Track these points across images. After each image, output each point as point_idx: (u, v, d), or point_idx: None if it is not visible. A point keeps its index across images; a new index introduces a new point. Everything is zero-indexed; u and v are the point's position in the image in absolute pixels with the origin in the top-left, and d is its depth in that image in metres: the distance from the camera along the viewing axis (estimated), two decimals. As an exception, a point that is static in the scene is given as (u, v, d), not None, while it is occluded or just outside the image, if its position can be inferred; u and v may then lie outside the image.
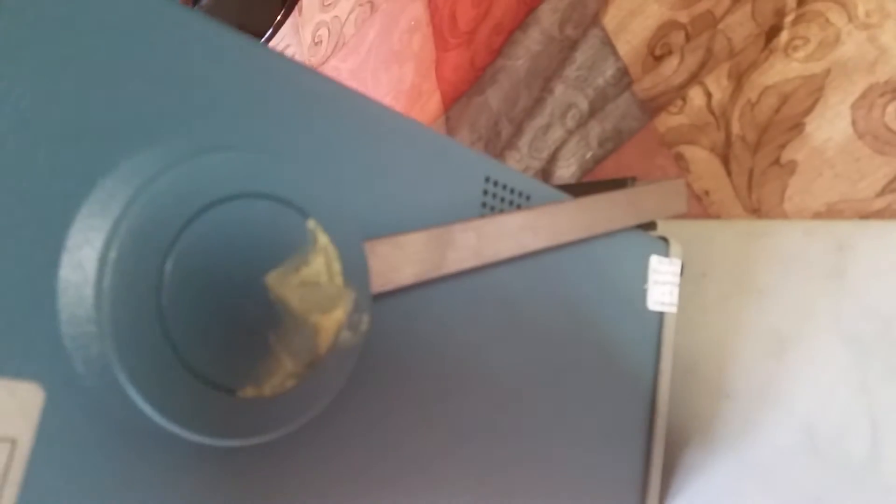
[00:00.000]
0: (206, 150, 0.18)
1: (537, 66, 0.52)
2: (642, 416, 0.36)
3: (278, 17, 0.84)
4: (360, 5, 0.69)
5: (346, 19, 0.73)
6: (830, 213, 0.36)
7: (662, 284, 0.36)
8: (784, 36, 0.38)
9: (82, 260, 0.17)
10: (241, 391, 0.18)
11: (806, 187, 0.37)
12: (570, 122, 0.48)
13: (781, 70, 0.38)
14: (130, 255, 0.17)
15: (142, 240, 0.17)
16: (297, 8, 0.83)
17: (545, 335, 0.30)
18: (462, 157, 0.27)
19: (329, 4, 0.77)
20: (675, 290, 0.36)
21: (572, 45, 0.49)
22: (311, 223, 0.20)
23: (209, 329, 0.18)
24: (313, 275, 0.20)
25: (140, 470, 0.18)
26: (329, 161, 0.22)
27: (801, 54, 0.37)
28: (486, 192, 0.27)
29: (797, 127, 0.37)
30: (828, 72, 0.36)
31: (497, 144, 0.54)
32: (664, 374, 0.36)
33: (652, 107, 0.44)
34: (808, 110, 0.36)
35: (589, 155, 0.47)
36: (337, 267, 0.20)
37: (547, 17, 0.51)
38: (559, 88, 0.47)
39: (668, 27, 0.43)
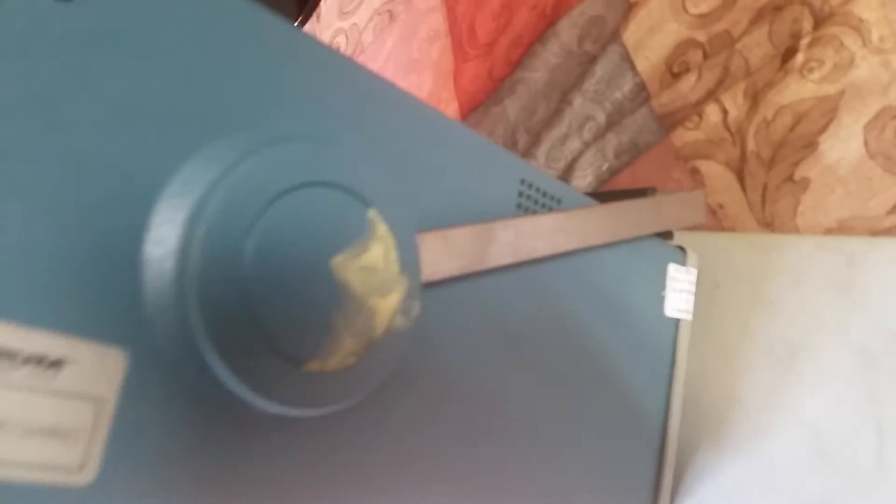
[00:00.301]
0: (282, 139, 0.20)
1: (555, 78, 0.54)
2: (657, 418, 0.37)
3: (295, 23, 0.86)
4: (379, 14, 0.71)
5: (364, 27, 0.75)
6: (841, 229, 0.38)
7: (679, 292, 0.37)
8: (800, 58, 0.40)
9: (165, 236, 0.18)
10: (308, 365, 0.20)
11: (818, 204, 0.39)
12: (588, 134, 0.50)
13: (797, 90, 0.40)
14: (213, 234, 0.18)
15: (224, 220, 0.18)
16: (314, 14, 0.85)
17: (569, 334, 0.32)
18: (500, 159, 0.29)
19: (347, 12, 0.79)
20: (691, 298, 0.38)
21: (591, 60, 0.51)
22: (371, 213, 0.21)
23: (282, 305, 0.19)
24: (373, 261, 0.21)
25: (209, 434, 0.19)
26: (386, 155, 0.23)
27: (816, 76, 0.39)
28: (521, 194, 0.29)
29: (811, 145, 0.39)
30: (842, 93, 0.38)
31: (514, 153, 0.55)
32: (678, 378, 0.38)
33: (669, 122, 0.46)
34: (822, 130, 0.39)
35: (605, 166, 0.48)
36: (393, 255, 0.22)
37: (566, 32, 0.53)
38: (578, 101, 0.49)
39: (686, 45, 0.45)
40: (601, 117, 0.49)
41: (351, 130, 0.23)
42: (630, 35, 0.47)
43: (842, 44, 0.38)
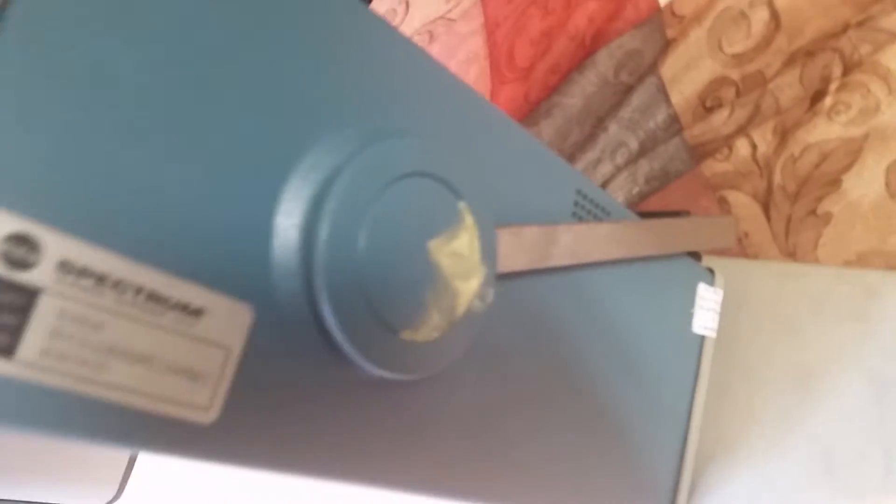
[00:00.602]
0: (395, 133, 0.22)
1: (590, 105, 0.57)
2: (679, 427, 0.40)
3: None
4: (419, 34, 0.75)
5: None
6: (860, 261, 0.40)
7: (707, 310, 0.40)
8: (828, 101, 0.43)
9: (293, 210, 0.21)
10: (403, 333, 0.22)
11: (839, 237, 0.42)
12: (620, 159, 0.53)
13: (824, 130, 0.43)
14: (334, 212, 0.21)
15: (345, 200, 0.21)
16: None
17: (606, 340, 0.34)
18: (561, 169, 0.31)
19: None
20: (717, 318, 0.41)
21: (626, 90, 0.55)
22: (461, 205, 0.24)
23: (387, 278, 0.22)
24: (460, 248, 0.24)
25: (315, 389, 0.22)
26: (472, 155, 0.26)
27: (842, 118, 0.42)
28: (576, 203, 0.32)
29: (835, 182, 0.42)
30: (866, 136, 0.41)
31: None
32: (701, 391, 0.40)
33: (699, 152, 0.49)
34: (846, 168, 0.42)
35: (636, 191, 0.51)
36: (476, 245, 0.24)
37: (604, 62, 0.57)
38: (613, 127, 0.53)
39: (719, 82, 0.49)
40: (634, 144, 0.52)
41: (441, 129, 0.26)
42: (667, 69, 0.51)
43: (868, 90, 0.41)
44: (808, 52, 0.44)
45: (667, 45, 0.52)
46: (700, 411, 0.40)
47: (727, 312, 0.45)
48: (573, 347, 0.32)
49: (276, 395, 0.21)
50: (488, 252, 0.25)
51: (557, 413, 0.32)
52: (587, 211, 0.32)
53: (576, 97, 0.58)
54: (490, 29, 0.67)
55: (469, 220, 0.24)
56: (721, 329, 0.43)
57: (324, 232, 0.20)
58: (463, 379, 0.26)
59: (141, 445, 0.19)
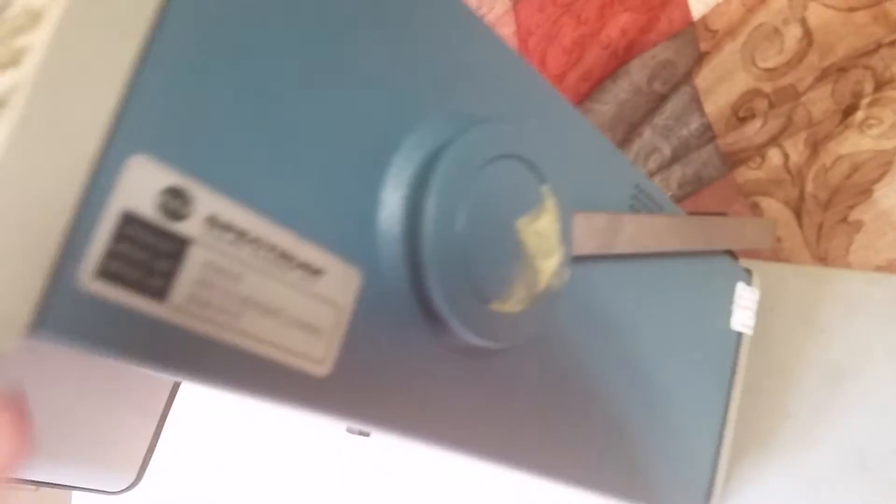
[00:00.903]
0: (491, 117, 0.24)
1: (622, 112, 0.59)
2: (715, 421, 0.41)
3: None
4: None
5: None
6: (891, 267, 0.42)
7: (744, 309, 0.42)
8: (860, 115, 0.45)
9: (399, 184, 0.23)
10: (492, 304, 0.24)
11: (870, 244, 0.44)
12: (652, 165, 0.55)
13: (855, 143, 0.45)
14: (436, 187, 0.22)
15: (446, 177, 0.23)
16: None
17: (654, 330, 0.36)
18: (622, 163, 0.33)
19: None
20: (753, 316, 0.43)
21: (658, 98, 0.57)
22: (545, 188, 0.26)
23: (482, 250, 0.23)
24: (542, 228, 0.26)
25: (407, 350, 0.23)
26: (550, 142, 0.28)
27: (874, 132, 0.45)
28: (633, 197, 0.34)
29: (866, 192, 0.44)
30: (898, 148, 0.43)
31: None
32: (737, 388, 0.42)
33: (732, 160, 0.51)
34: (878, 179, 0.44)
35: (669, 195, 0.53)
36: (556, 226, 0.26)
37: (637, 72, 0.59)
38: (647, 133, 0.55)
39: (752, 94, 0.51)
40: (667, 150, 0.54)
41: (523, 116, 0.27)
42: (702, 80, 0.53)
43: (900, 105, 0.44)
44: (841, 69, 0.46)
45: (700, 58, 0.54)
46: (736, 407, 0.42)
47: (759, 313, 0.46)
48: (626, 335, 0.34)
49: (376, 355, 0.23)
50: (566, 234, 0.27)
51: (610, 397, 0.33)
52: (643, 204, 0.34)
53: (608, 104, 0.60)
54: (522, 37, 0.69)
55: (550, 202, 0.26)
56: (754, 329, 0.45)
57: (431, 205, 0.22)
58: (535, 354, 0.28)
59: (264, 393, 0.20)
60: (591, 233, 0.29)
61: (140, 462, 0.77)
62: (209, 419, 0.73)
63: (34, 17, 0.16)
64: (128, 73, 0.16)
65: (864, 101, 0.45)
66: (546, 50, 0.67)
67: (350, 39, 0.22)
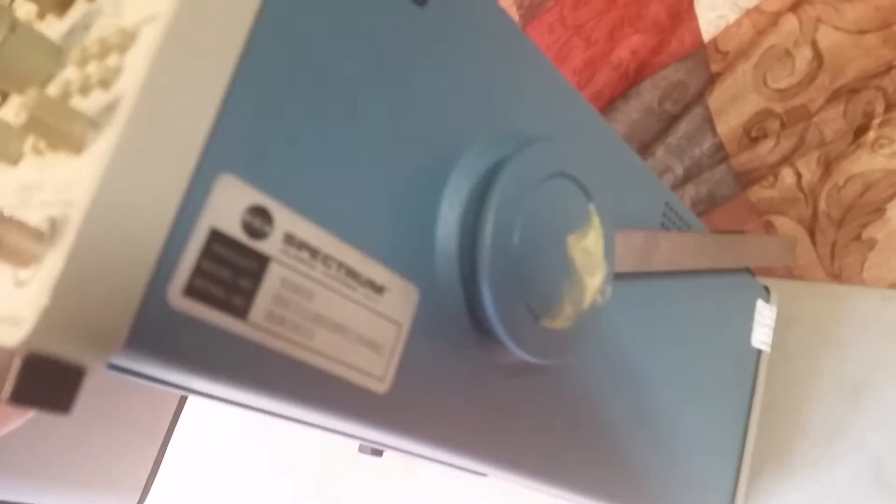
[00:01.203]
0: (542, 136, 0.25)
1: (634, 132, 0.60)
2: (736, 436, 0.42)
3: None
4: None
5: None
6: (905, 284, 0.43)
7: (763, 326, 0.43)
8: (871, 135, 0.47)
9: (456, 202, 0.23)
10: (542, 321, 0.24)
11: (883, 262, 0.45)
12: (665, 184, 0.56)
13: (867, 162, 0.47)
14: (500, 205, 0.23)
15: (501, 196, 0.23)
16: None
17: (681, 346, 0.37)
18: (654, 182, 0.34)
19: None
20: (771, 333, 0.43)
21: (670, 118, 0.58)
22: (591, 206, 0.26)
23: (534, 267, 0.24)
24: (589, 245, 0.26)
25: (460, 367, 0.24)
26: (592, 160, 0.29)
27: (886, 151, 0.46)
28: (664, 215, 0.34)
29: (879, 211, 0.45)
30: (910, 168, 0.45)
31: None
32: (757, 404, 0.42)
33: (745, 179, 0.52)
34: (890, 198, 0.45)
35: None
36: (601, 244, 0.27)
37: (648, 93, 0.60)
38: (660, 152, 0.56)
39: (764, 114, 0.52)
40: (679, 170, 0.55)
41: (566, 134, 0.28)
42: (714, 100, 0.54)
43: (911, 126, 0.45)
44: (852, 90, 0.48)
45: (712, 78, 0.55)
46: (756, 423, 0.42)
47: (775, 330, 0.47)
48: (656, 351, 0.34)
49: (429, 373, 0.23)
50: (609, 252, 0.27)
51: (641, 414, 0.34)
52: (673, 223, 0.35)
53: (620, 123, 0.61)
54: (531, 57, 0.70)
55: (596, 220, 0.27)
56: (770, 346, 0.45)
57: (489, 223, 0.22)
58: (576, 371, 0.28)
59: (327, 409, 0.21)
60: (629, 251, 0.29)
61: (143, 484, 0.76)
62: (211, 442, 0.73)
63: (127, 39, 0.17)
64: (219, 98, 0.17)
65: (876, 122, 0.47)
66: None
67: (410, 66, 0.22)
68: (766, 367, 0.43)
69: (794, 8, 0.50)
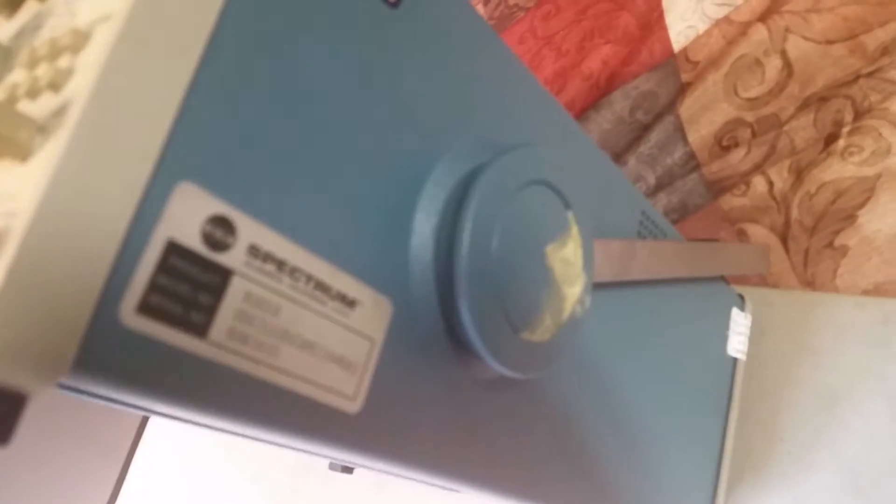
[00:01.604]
0: (520, 143, 0.24)
1: (606, 142, 0.60)
2: (713, 448, 0.41)
3: None
4: None
5: None
6: (878, 291, 0.44)
7: (739, 334, 0.42)
8: (841, 143, 0.47)
9: (431, 210, 0.22)
10: (522, 333, 0.23)
11: (856, 268, 0.45)
12: (638, 193, 0.56)
13: (838, 170, 0.47)
14: (468, 215, 0.22)
15: (477, 205, 0.22)
16: None
17: (656, 356, 0.36)
18: (630, 189, 0.34)
19: None
20: (747, 341, 0.43)
21: (641, 128, 0.58)
22: (570, 214, 0.26)
23: (513, 278, 0.23)
24: (568, 255, 0.25)
25: (435, 383, 0.23)
26: (570, 168, 0.28)
27: (856, 159, 0.46)
28: (641, 223, 0.34)
29: (850, 218, 0.46)
30: (879, 175, 0.45)
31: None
32: (734, 413, 0.42)
33: (717, 188, 0.52)
34: (861, 205, 0.45)
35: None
36: (579, 253, 0.26)
37: (619, 103, 0.60)
38: (632, 161, 0.56)
39: (734, 123, 0.52)
40: (651, 179, 0.55)
41: (544, 142, 0.27)
42: (685, 110, 0.54)
43: (880, 134, 0.45)
44: (821, 98, 0.48)
45: (683, 88, 0.55)
46: (733, 431, 0.42)
47: (751, 338, 0.47)
48: (632, 361, 0.34)
49: (403, 390, 0.22)
50: (588, 261, 0.27)
51: (618, 425, 0.33)
52: (649, 231, 0.34)
53: (592, 133, 0.61)
54: (503, 68, 0.70)
55: (575, 229, 0.26)
56: (746, 354, 0.45)
57: (466, 232, 0.22)
58: (553, 383, 0.28)
59: (296, 432, 0.19)
60: (607, 260, 0.29)
61: (110, 492, 0.74)
62: (175, 460, 0.70)
63: (80, 39, 0.16)
64: (178, 101, 0.16)
65: (845, 130, 0.47)
66: (527, 79, 0.68)
67: (382, 69, 0.21)
68: (742, 375, 0.43)
69: (763, 18, 0.50)
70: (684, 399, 0.39)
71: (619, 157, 0.58)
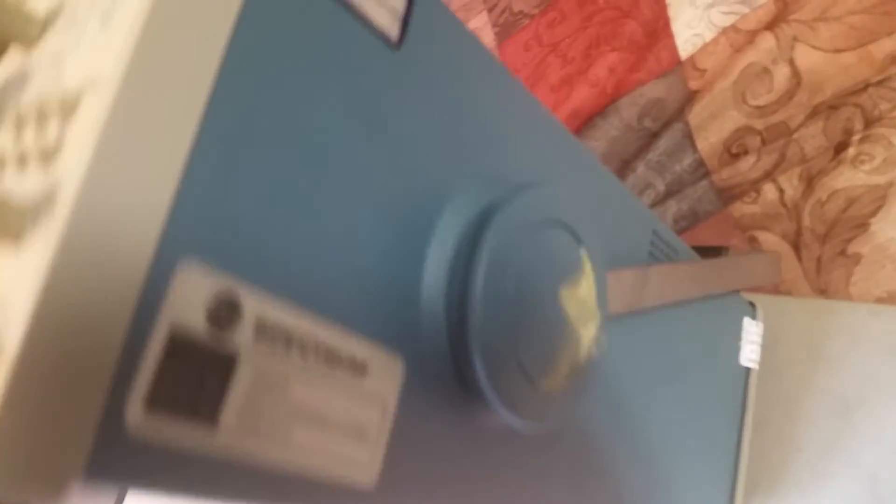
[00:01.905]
0: (534, 183, 0.23)
1: (613, 148, 0.58)
2: (729, 459, 0.40)
3: None
4: None
5: None
6: (892, 299, 0.42)
7: (751, 343, 0.41)
8: (851, 151, 0.45)
9: (441, 257, 0.21)
10: (538, 382, 0.22)
11: (869, 276, 0.43)
12: (647, 200, 0.54)
13: (849, 178, 0.45)
14: (483, 260, 0.21)
15: (490, 249, 0.21)
16: None
17: (671, 373, 0.34)
18: (641, 211, 0.32)
19: None
20: (759, 350, 0.41)
21: (650, 135, 0.56)
22: (583, 251, 0.24)
23: (527, 324, 0.22)
24: (582, 294, 0.24)
25: (448, 439, 0.21)
26: (581, 199, 0.26)
27: (867, 167, 0.44)
28: (652, 244, 0.32)
29: (863, 226, 0.44)
30: (891, 183, 0.43)
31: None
32: (748, 423, 0.40)
33: (728, 195, 0.50)
34: (873, 213, 0.43)
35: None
36: (594, 290, 0.25)
37: (626, 109, 0.58)
38: (641, 168, 0.54)
39: (744, 131, 0.50)
40: (661, 186, 0.53)
41: (555, 175, 0.26)
42: (694, 116, 0.52)
43: (891, 143, 0.43)
44: (831, 107, 0.46)
45: (691, 96, 0.53)
46: (748, 441, 0.40)
47: (764, 346, 0.45)
48: (647, 385, 0.32)
49: (418, 450, 0.20)
50: (602, 297, 0.25)
51: (636, 451, 0.32)
52: (661, 251, 0.33)
53: (599, 140, 0.59)
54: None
55: (588, 266, 0.24)
56: (760, 362, 0.44)
57: (478, 280, 0.20)
58: (573, 424, 0.26)
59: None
60: (620, 291, 0.27)
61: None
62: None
63: (68, 108, 0.14)
64: (176, 175, 0.14)
65: (855, 138, 0.45)
66: (532, 88, 0.66)
67: (388, 116, 0.20)
68: (755, 383, 0.41)
69: (770, 27, 0.48)
70: (699, 414, 0.37)
71: (627, 163, 0.56)
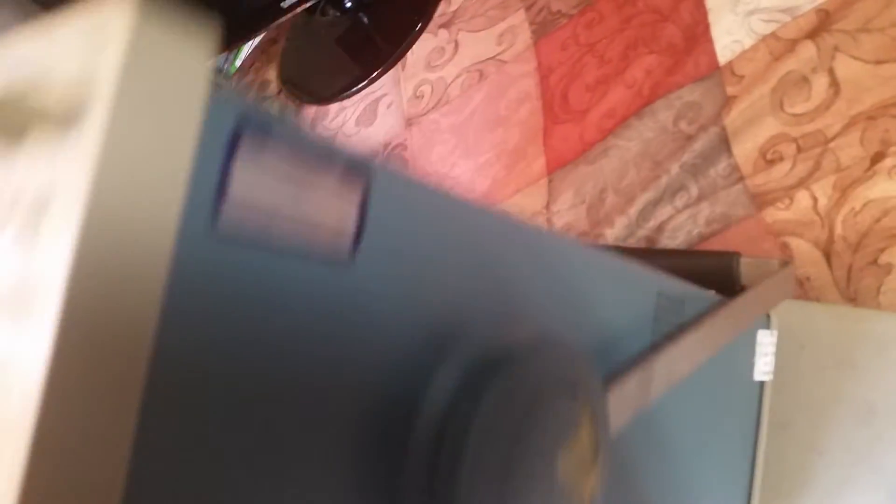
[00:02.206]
0: (555, 342, 0.20)
1: (648, 149, 0.52)
2: (744, 472, 0.38)
3: (379, 69, 0.82)
4: (469, 72, 0.69)
5: (451, 82, 0.72)
6: (923, 314, 0.36)
7: (765, 356, 0.37)
8: (888, 162, 0.38)
9: (428, 425, 0.19)
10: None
11: (901, 289, 0.37)
12: (679, 202, 0.49)
13: (884, 189, 0.38)
14: (486, 425, 0.19)
15: (497, 412, 0.19)
16: (400, 63, 0.81)
17: (686, 400, 0.32)
18: (644, 278, 0.28)
19: (435, 66, 0.76)
20: (773, 360, 0.38)
21: (685, 137, 0.50)
22: (579, 404, 0.22)
23: (520, 496, 0.20)
24: (580, 449, 0.22)
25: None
26: (575, 301, 0.24)
27: (905, 179, 0.37)
28: (657, 305, 0.29)
29: (895, 237, 0.38)
30: (930, 198, 0.36)
31: (600, 210, 0.54)
32: (763, 436, 0.38)
33: (761, 200, 0.44)
34: (909, 226, 0.37)
35: (696, 232, 0.48)
36: (591, 433, 0.23)
37: (662, 112, 0.51)
38: (675, 170, 0.48)
39: (779, 138, 0.43)
40: (694, 189, 0.48)
41: (549, 289, 0.23)
42: (731, 121, 0.45)
43: (933, 155, 0.36)
44: (869, 117, 0.38)
45: (728, 101, 0.46)
46: (763, 455, 0.38)
47: (790, 351, 0.41)
48: (665, 427, 0.31)
49: None
50: (602, 431, 0.23)
51: (653, 481, 0.31)
52: (667, 310, 0.29)
53: (633, 141, 0.53)
54: (543, 73, 0.62)
55: (586, 412, 0.23)
56: (783, 367, 0.40)
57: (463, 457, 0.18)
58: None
59: None
60: (624, 402, 0.25)
61: None
62: None
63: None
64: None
65: (893, 149, 0.38)
66: (568, 87, 0.60)
67: (343, 335, 0.17)
68: (769, 396, 0.38)
69: (811, 35, 0.40)
70: (715, 431, 0.35)
71: (660, 164, 0.51)
